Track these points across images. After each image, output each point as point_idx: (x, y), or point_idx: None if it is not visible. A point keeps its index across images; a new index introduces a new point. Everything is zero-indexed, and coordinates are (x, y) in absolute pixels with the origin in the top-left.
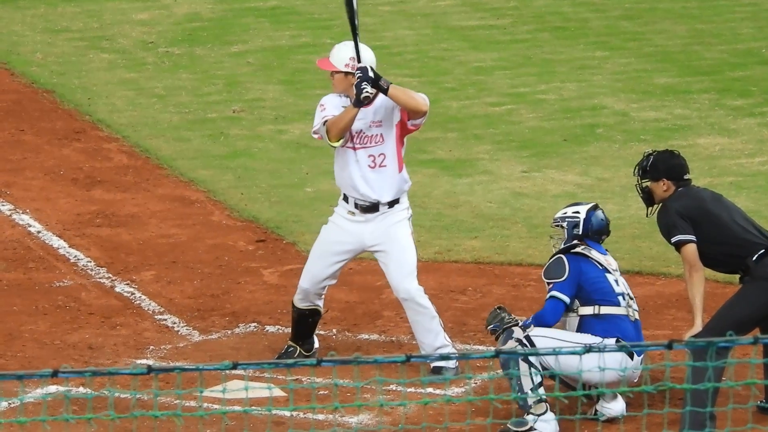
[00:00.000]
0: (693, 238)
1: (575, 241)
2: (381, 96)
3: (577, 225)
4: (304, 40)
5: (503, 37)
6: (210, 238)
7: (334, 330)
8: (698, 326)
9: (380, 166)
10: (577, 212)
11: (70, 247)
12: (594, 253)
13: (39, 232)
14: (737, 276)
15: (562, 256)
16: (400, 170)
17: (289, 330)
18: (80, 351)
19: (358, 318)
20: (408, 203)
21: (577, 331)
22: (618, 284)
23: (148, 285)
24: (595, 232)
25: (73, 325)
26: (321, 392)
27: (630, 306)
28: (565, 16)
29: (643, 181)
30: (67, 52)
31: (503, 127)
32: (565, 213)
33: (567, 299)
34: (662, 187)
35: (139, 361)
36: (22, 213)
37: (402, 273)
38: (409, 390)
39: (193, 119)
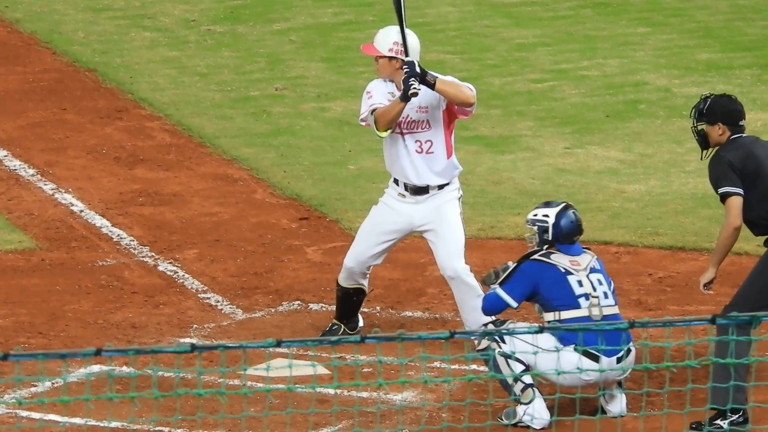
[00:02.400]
0: (740, 191)
1: (545, 246)
2: None
3: (546, 230)
4: (347, 18)
5: (545, 13)
6: (253, 216)
7: (378, 307)
8: (710, 275)
9: (428, 152)
10: (547, 216)
11: (113, 226)
12: (556, 257)
13: (81, 211)
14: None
15: (520, 265)
16: (449, 156)
17: (333, 308)
18: (123, 330)
19: (401, 295)
20: (459, 184)
21: None
22: (582, 285)
23: (191, 264)
24: (566, 235)
25: (117, 304)
26: (365, 369)
27: (595, 305)
28: None
29: (698, 123)
30: (109, 31)
31: (546, 103)
32: (536, 215)
33: (513, 303)
34: (717, 131)
35: (182, 340)
36: (65, 192)
37: (450, 252)
38: (453, 367)
39: (235, 97)
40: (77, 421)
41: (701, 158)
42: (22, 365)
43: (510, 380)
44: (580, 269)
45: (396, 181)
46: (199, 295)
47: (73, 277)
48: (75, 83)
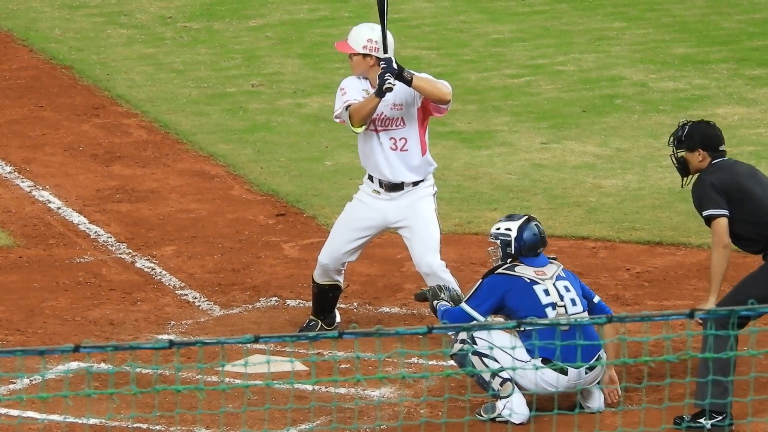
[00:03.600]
0: (725, 212)
1: (509, 260)
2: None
3: (509, 244)
4: (323, 14)
5: (521, 8)
6: (230, 212)
7: (355, 303)
8: (711, 303)
9: (402, 149)
10: (509, 229)
11: (90, 223)
12: (521, 269)
13: (59, 208)
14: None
15: (484, 281)
16: (424, 154)
17: (310, 304)
18: (101, 327)
19: (379, 291)
20: (433, 181)
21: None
22: (548, 294)
23: (168, 260)
24: (529, 248)
25: (94, 301)
26: (343, 365)
27: (562, 314)
28: None
29: (678, 151)
30: (86, 28)
31: (522, 98)
32: (498, 229)
33: (479, 317)
34: (698, 158)
35: (160, 337)
36: (42, 189)
37: (425, 248)
38: (431, 362)
39: (211, 94)
40: (56, 417)
41: (682, 185)
42: (0, 362)
43: (487, 377)
44: (546, 278)
45: (370, 178)
46: (176, 292)
47: (51, 274)
48: (52, 80)
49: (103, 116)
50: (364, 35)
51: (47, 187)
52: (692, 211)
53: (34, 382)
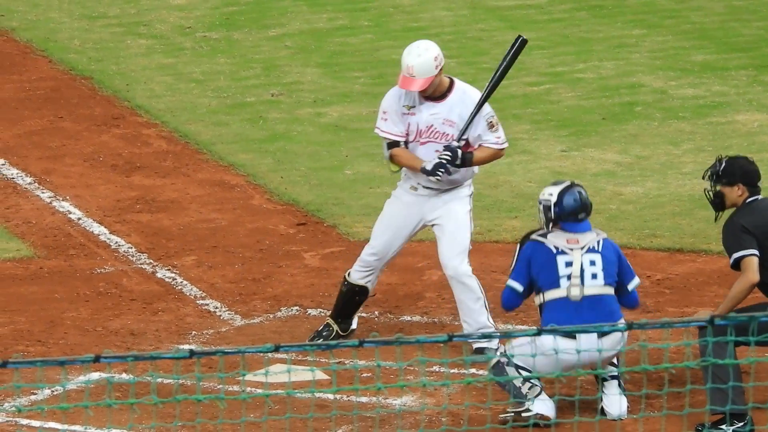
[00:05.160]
0: (755, 252)
1: (551, 224)
2: (456, 95)
3: (549, 208)
4: (342, 23)
5: (540, 16)
6: (250, 222)
7: (376, 312)
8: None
9: None
10: (551, 194)
11: (110, 233)
12: (552, 237)
13: (79, 218)
14: None
15: (519, 248)
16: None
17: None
18: (122, 337)
19: (399, 300)
20: (471, 182)
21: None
22: (569, 265)
23: (189, 270)
24: (569, 213)
25: (115, 311)
26: (364, 374)
27: (576, 285)
28: None
29: (716, 185)
30: (105, 39)
31: (542, 106)
32: (543, 194)
33: (519, 287)
34: (737, 192)
35: (181, 346)
36: (62, 200)
37: (453, 250)
38: (452, 370)
39: (231, 103)
40: (77, 428)
41: (715, 220)
42: (21, 373)
43: (517, 383)
44: (576, 248)
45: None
46: (197, 302)
47: (72, 285)
48: (71, 91)
49: (122, 126)
50: (431, 54)
51: (67, 197)
52: (712, 218)
53: (55, 393)
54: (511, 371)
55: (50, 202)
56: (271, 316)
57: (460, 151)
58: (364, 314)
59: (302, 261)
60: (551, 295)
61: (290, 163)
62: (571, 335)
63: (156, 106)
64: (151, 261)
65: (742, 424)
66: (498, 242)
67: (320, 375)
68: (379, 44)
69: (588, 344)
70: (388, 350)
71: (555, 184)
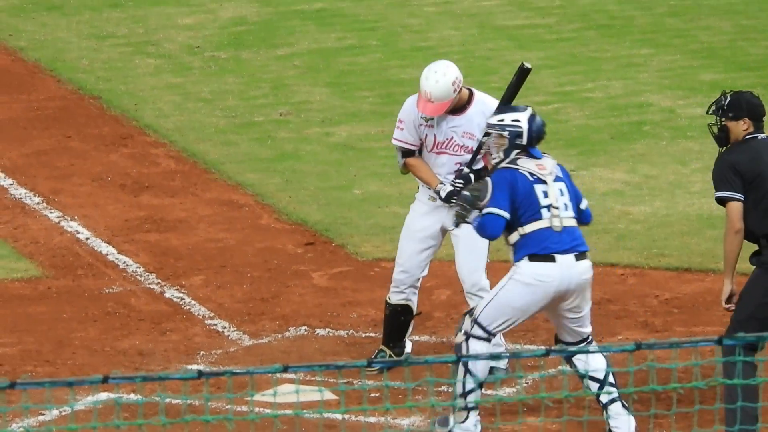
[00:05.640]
0: (739, 196)
1: (514, 152)
2: (476, 108)
3: (520, 135)
4: (350, 42)
5: (549, 35)
6: (259, 241)
7: None
8: (726, 288)
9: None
10: (518, 120)
11: (119, 253)
12: (523, 162)
13: (87, 238)
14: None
15: (492, 179)
16: None
17: (340, 333)
18: (131, 357)
19: None
20: None
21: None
22: (547, 195)
23: (197, 290)
24: (538, 138)
25: (123, 331)
26: (372, 394)
27: (556, 216)
28: (610, 14)
29: (722, 119)
30: (113, 58)
31: (550, 125)
32: (503, 120)
33: (505, 213)
34: (742, 126)
35: (189, 367)
36: (71, 220)
37: (471, 263)
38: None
39: (240, 123)
40: None
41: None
42: (29, 393)
43: (458, 389)
44: (546, 174)
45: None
46: (205, 322)
47: (80, 305)
48: (79, 110)
49: (131, 146)
50: (450, 77)
51: (75, 217)
52: (720, 237)
53: (63, 414)
54: (460, 376)
55: (58, 222)
56: (280, 336)
57: (472, 177)
58: (372, 333)
59: (311, 281)
60: (532, 227)
61: (299, 183)
62: (551, 258)
63: (164, 126)
64: (160, 281)
65: None
66: (507, 262)
67: (329, 395)
68: (388, 63)
69: (567, 266)
70: (397, 370)
71: (513, 110)
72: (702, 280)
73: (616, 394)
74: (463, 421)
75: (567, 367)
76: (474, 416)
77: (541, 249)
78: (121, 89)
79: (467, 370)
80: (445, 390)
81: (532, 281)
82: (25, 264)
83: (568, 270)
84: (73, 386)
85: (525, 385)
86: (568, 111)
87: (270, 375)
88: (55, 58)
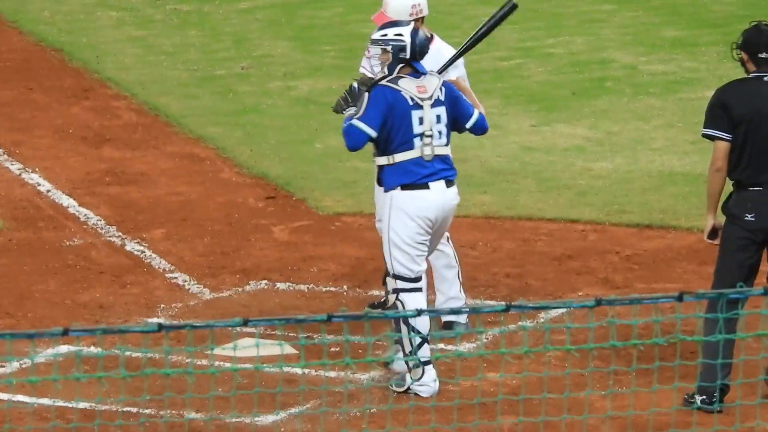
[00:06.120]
0: (725, 135)
1: (398, 66)
2: (431, 54)
3: (403, 49)
4: None
5: None
6: (220, 195)
7: (345, 286)
8: (708, 223)
9: None
10: (401, 35)
11: (79, 205)
12: (404, 83)
13: (48, 191)
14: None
15: (370, 94)
16: None
17: (300, 287)
18: (91, 310)
19: (368, 274)
20: None
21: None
22: (422, 122)
23: (158, 243)
24: (421, 52)
25: (84, 284)
26: (332, 349)
27: (428, 144)
28: None
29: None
30: (75, 10)
31: (512, 81)
32: (386, 35)
33: (372, 132)
34: (744, 58)
35: (150, 320)
36: (32, 172)
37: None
38: None
39: (201, 76)
40: (45, 401)
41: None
42: None
43: (406, 347)
44: (426, 98)
45: None
46: (166, 275)
47: (41, 257)
48: (41, 63)
49: (92, 99)
50: (412, 2)
51: (36, 169)
52: (682, 194)
53: (23, 366)
54: (404, 329)
55: (19, 174)
56: (240, 290)
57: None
58: (333, 288)
59: (271, 235)
60: (403, 156)
61: (260, 137)
62: (424, 186)
63: (126, 79)
64: (120, 234)
65: (705, 397)
66: (467, 217)
67: (289, 349)
68: (349, 18)
69: (440, 192)
70: (357, 325)
71: (394, 25)
72: (663, 236)
73: (428, 357)
74: (419, 378)
75: (528, 323)
76: (430, 371)
77: (414, 178)
78: (83, 41)
79: (409, 327)
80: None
81: (408, 209)
82: None
83: (441, 195)
84: (34, 338)
85: (485, 340)
86: (529, 67)
87: (230, 329)
88: (17, 9)
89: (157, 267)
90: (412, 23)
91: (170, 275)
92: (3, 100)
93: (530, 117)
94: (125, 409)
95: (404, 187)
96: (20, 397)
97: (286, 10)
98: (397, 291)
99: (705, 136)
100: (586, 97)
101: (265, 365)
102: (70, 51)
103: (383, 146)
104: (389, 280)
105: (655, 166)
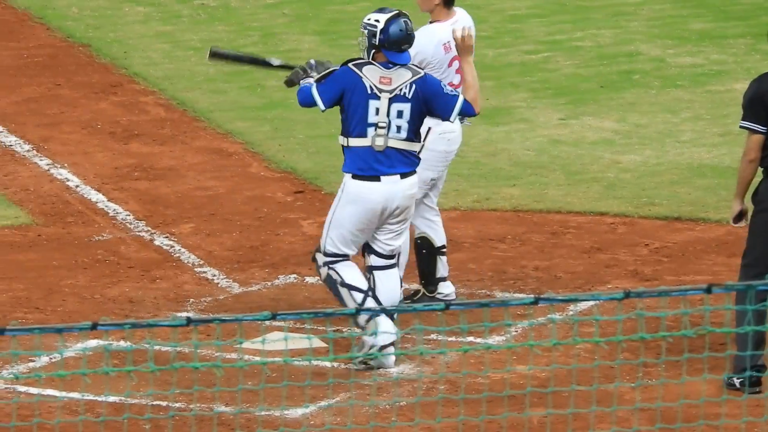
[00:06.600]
0: (757, 128)
1: (372, 51)
2: (420, 33)
3: (374, 35)
4: None
5: None
6: (248, 189)
7: None
8: (735, 207)
9: None
10: (378, 21)
11: (108, 200)
12: (368, 70)
13: (77, 186)
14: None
15: (337, 69)
16: None
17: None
18: (120, 305)
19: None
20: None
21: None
22: (378, 113)
23: (187, 238)
24: (393, 43)
25: (113, 279)
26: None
27: (381, 135)
28: None
29: None
30: (103, 6)
31: (540, 74)
32: (369, 19)
33: (322, 105)
34: None
35: (178, 314)
36: (60, 167)
37: None
38: (449, 339)
39: (229, 71)
40: (74, 395)
41: None
42: (19, 340)
43: (351, 304)
44: (386, 91)
45: None
46: (195, 269)
47: (70, 252)
48: (69, 58)
49: (120, 94)
50: None
51: (65, 165)
52: (710, 186)
53: (52, 360)
54: (344, 293)
55: (48, 170)
56: (269, 283)
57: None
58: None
59: (300, 229)
60: (356, 142)
61: (288, 131)
62: (375, 178)
63: (154, 74)
64: (149, 228)
65: (740, 380)
66: (496, 210)
67: (317, 343)
68: None
69: (392, 183)
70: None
71: (381, 11)
72: (692, 229)
73: (393, 339)
74: (375, 333)
75: (556, 315)
76: (384, 321)
77: (365, 168)
78: (111, 37)
79: (347, 285)
80: (434, 338)
81: (358, 199)
82: (15, 211)
83: (393, 186)
84: (63, 333)
85: (514, 333)
86: (557, 60)
87: (259, 322)
88: (44, 6)
89: (186, 261)
90: (399, 12)
91: (199, 269)
92: (31, 96)
93: (558, 110)
94: (154, 402)
95: (355, 177)
96: (50, 391)
97: (312, 4)
98: (328, 264)
99: (743, 128)
100: (614, 90)
101: (294, 359)
102: (97, 47)
103: (343, 127)
104: (318, 255)
105: (683, 158)
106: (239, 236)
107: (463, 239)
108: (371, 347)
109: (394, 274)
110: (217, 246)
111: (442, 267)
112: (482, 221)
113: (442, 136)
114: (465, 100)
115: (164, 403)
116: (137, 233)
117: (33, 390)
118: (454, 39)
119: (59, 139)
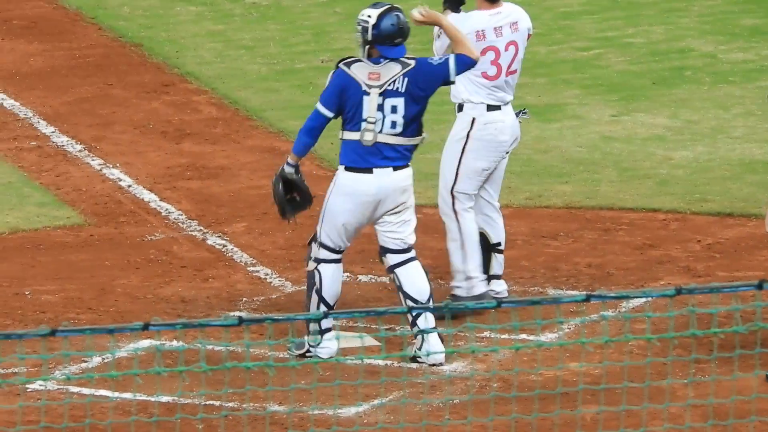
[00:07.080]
0: None
1: (366, 47)
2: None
3: (366, 30)
4: None
5: None
6: None
7: None
8: None
9: None
10: (370, 16)
11: (160, 200)
12: (357, 68)
13: (129, 186)
14: None
15: (332, 74)
16: None
17: (381, 279)
18: (173, 304)
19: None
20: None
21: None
22: (369, 108)
23: (239, 237)
24: (385, 37)
25: (165, 278)
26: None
27: (369, 130)
28: None
29: None
30: (154, 5)
31: (591, 71)
32: (362, 15)
33: (329, 113)
34: None
35: (231, 313)
36: (112, 167)
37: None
38: (501, 336)
39: (281, 70)
40: (126, 396)
41: None
42: (71, 341)
43: (312, 309)
44: (374, 86)
45: None
46: (248, 269)
47: (122, 252)
48: (121, 58)
49: (172, 93)
50: None
51: (117, 165)
52: (762, 182)
53: (105, 361)
54: (313, 302)
55: (100, 170)
56: None
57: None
58: None
59: None
60: (348, 136)
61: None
62: (368, 170)
63: (206, 73)
64: (202, 228)
65: None
66: (548, 207)
67: (370, 341)
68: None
69: (384, 176)
70: (438, 317)
71: (375, 6)
72: (744, 224)
73: (432, 325)
74: (317, 345)
75: (608, 312)
76: (331, 339)
77: (357, 161)
78: (163, 36)
79: (320, 297)
80: (487, 336)
81: (349, 191)
82: (68, 212)
83: (386, 178)
84: (114, 333)
85: (566, 330)
86: (609, 57)
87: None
88: (96, 5)
89: (238, 261)
90: (387, 6)
91: (252, 269)
92: (83, 96)
93: (610, 107)
94: (207, 402)
95: (348, 169)
96: (102, 392)
97: (365, 2)
98: (318, 260)
99: None
100: (666, 87)
101: (346, 357)
102: (149, 46)
103: (342, 121)
104: (314, 245)
105: (735, 154)
106: (292, 235)
107: (516, 236)
108: (308, 348)
109: (416, 267)
110: (269, 245)
111: (497, 264)
112: (534, 218)
113: (488, 126)
114: (457, 57)
115: (217, 403)
116: (189, 233)
117: (85, 391)
118: (414, 20)
119: (111, 139)
